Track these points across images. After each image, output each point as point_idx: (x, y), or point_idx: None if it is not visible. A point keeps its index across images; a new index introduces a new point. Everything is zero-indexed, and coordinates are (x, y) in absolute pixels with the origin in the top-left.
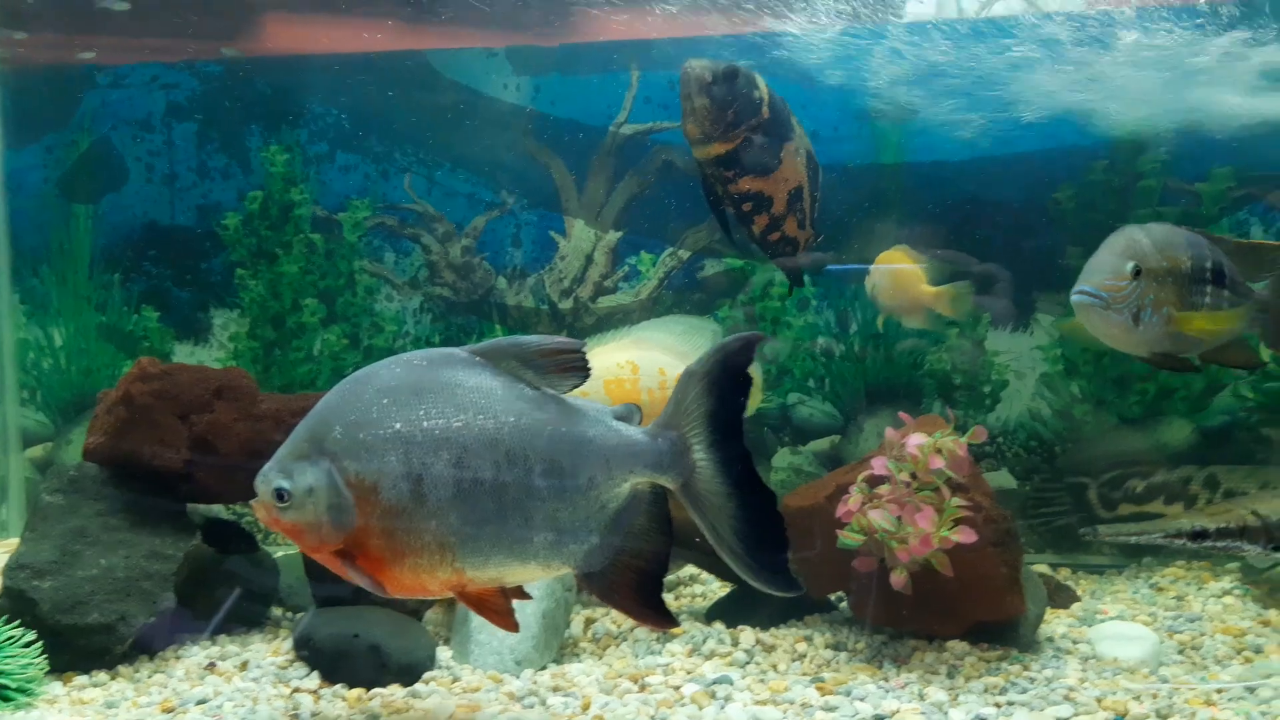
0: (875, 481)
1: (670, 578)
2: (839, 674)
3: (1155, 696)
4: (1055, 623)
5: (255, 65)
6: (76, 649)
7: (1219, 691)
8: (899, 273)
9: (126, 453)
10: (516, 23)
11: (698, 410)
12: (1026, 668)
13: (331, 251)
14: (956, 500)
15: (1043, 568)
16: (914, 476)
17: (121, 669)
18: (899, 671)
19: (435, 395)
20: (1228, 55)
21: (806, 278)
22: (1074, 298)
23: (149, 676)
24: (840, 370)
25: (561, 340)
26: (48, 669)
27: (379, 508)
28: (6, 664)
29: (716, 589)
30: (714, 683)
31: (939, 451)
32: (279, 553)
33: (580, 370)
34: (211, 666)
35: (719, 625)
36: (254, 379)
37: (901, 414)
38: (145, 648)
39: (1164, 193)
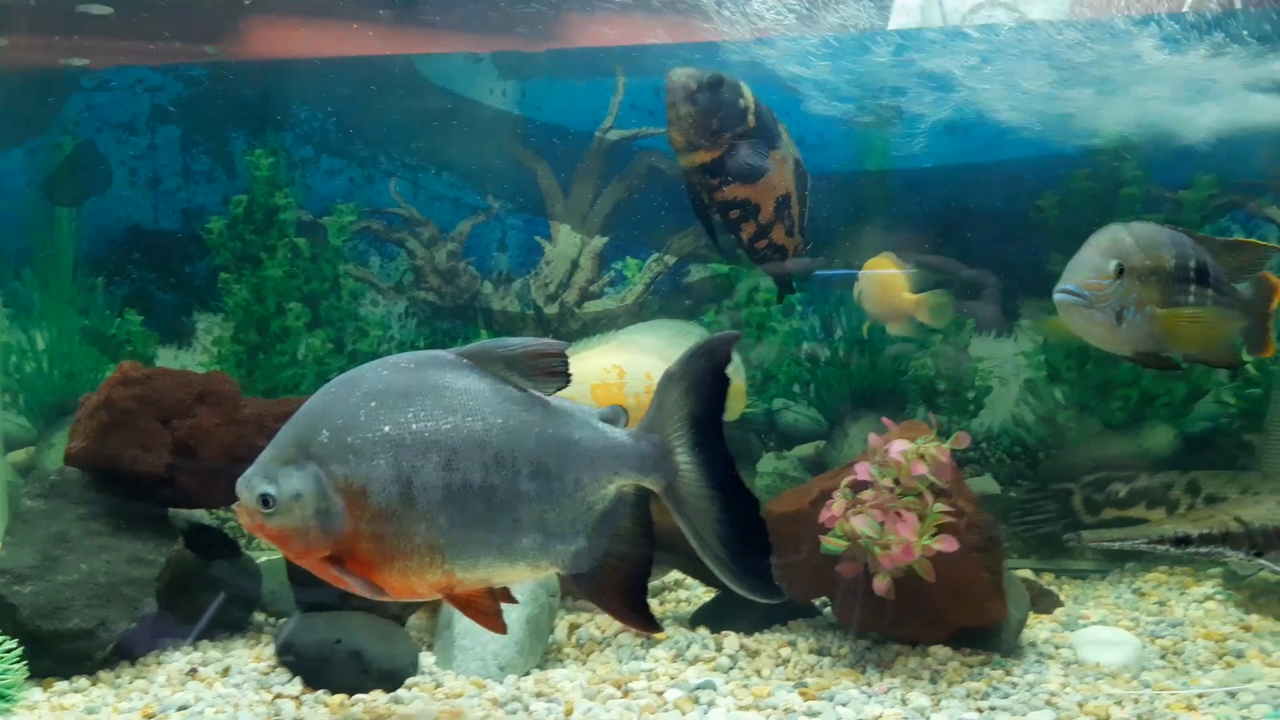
0: (859, 487)
1: (655, 583)
2: (822, 679)
3: (1137, 701)
4: (1038, 628)
5: (240, 69)
6: (57, 655)
7: (1200, 696)
8: (883, 279)
9: (108, 457)
10: (502, 27)
11: (679, 413)
12: (1009, 673)
13: (316, 255)
14: (939, 506)
15: (1026, 573)
16: (897, 482)
17: (102, 675)
18: (882, 676)
19: (423, 398)
20: (1211, 63)
21: (795, 284)
22: (1057, 296)
23: (130, 682)
24: (825, 375)
25: (546, 342)
26: (28, 675)
27: (369, 512)
28: None
29: (701, 594)
30: (697, 688)
31: (922, 457)
32: (262, 558)
33: (562, 374)
34: (193, 672)
35: (703, 630)
36: (236, 383)
37: (885, 419)
38: (126, 653)
39: (1147, 200)
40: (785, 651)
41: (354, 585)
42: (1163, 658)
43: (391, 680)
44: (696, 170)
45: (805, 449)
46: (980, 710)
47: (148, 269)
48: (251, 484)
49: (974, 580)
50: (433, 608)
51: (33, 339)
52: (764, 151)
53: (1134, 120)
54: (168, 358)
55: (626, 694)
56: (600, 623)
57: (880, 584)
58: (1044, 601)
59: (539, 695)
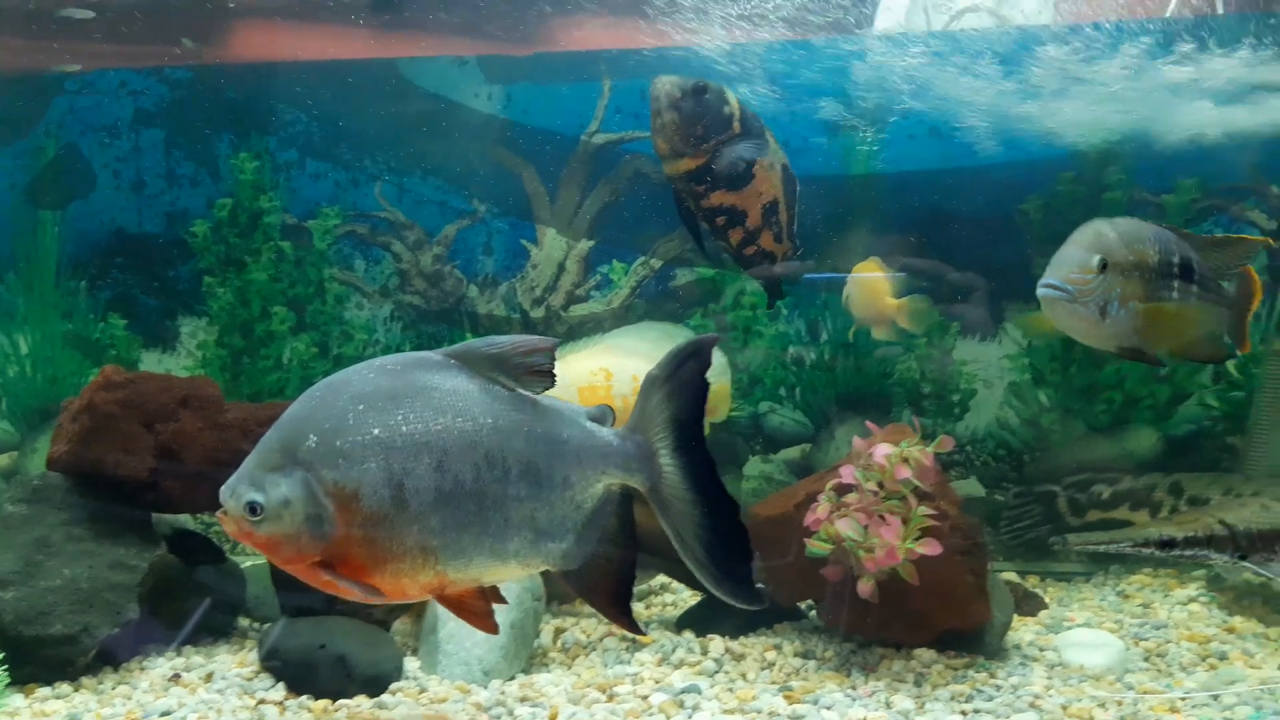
0: (843, 490)
1: (641, 587)
2: (807, 682)
3: (1120, 704)
4: (1022, 630)
5: (224, 72)
6: (39, 660)
7: (1183, 698)
8: (868, 284)
9: (91, 462)
10: (488, 31)
11: (661, 416)
12: (993, 675)
13: (301, 259)
14: (923, 509)
15: (1010, 575)
16: (881, 485)
17: (85, 681)
18: (867, 679)
19: (412, 399)
20: (1193, 68)
21: (784, 289)
22: (1040, 291)
23: (113, 688)
24: (811, 379)
25: (535, 340)
26: (9, 681)
27: (360, 516)
28: None
29: (687, 598)
30: (682, 692)
31: (905, 461)
32: (246, 563)
33: (548, 372)
34: (176, 678)
35: (689, 634)
36: (220, 387)
37: (869, 423)
38: (109, 659)
39: (1130, 204)
40: (770, 655)
41: (344, 589)
42: (1146, 660)
43: (376, 685)
44: (682, 178)
45: (791, 452)
46: (965, 713)
47: (131, 273)
48: (237, 492)
49: (958, 583)
50: (418, 612)
51: (16, 343)
52: (749, 158)
53: (1117, 124)
54: (151, 362)
55: (612, 698)
56: (586, 627)
57: (864, 587)
58: (1028, 604)
59: (524, 700)
